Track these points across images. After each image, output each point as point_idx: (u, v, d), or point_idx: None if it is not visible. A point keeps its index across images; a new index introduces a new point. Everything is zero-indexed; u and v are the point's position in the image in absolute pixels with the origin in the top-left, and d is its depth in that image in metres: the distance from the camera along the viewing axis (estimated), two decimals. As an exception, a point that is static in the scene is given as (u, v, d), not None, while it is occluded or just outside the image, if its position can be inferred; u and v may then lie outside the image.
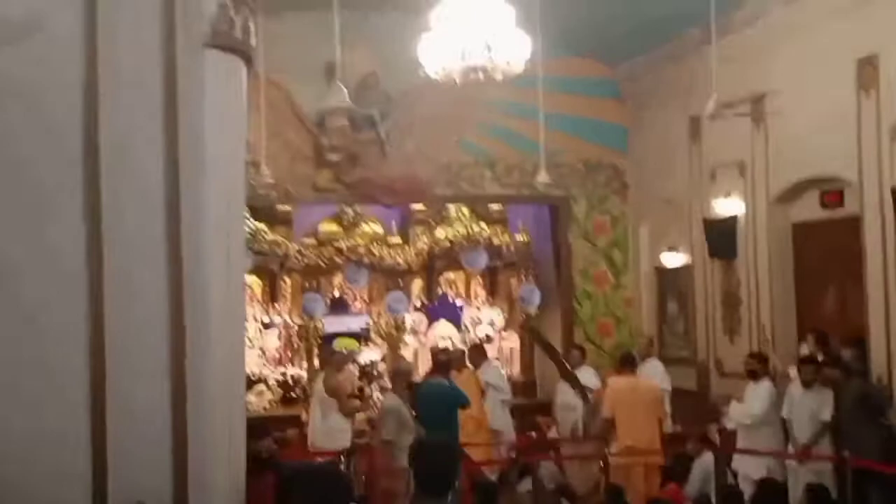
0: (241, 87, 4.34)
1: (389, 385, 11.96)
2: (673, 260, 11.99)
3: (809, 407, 8.35)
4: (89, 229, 3.85)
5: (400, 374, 9.19)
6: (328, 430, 9.94)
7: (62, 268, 3.87)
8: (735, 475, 8.57)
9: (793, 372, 8.91)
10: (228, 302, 4.20)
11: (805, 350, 9.18)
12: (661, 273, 12.31)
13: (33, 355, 3.84)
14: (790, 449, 8.46)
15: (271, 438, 4.68)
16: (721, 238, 10.54)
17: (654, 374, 10.21)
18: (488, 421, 10.39)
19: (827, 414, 8.25)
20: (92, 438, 3.84)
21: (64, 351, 3.86)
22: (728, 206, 10.60)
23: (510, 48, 7.49)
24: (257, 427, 4.85)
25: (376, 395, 11.36)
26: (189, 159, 3.96)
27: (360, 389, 10.69)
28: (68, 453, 3.82)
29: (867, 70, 8.66)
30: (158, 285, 3.95)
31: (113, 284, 3.86)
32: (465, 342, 12.51)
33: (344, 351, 11.18)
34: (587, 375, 10.67)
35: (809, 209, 9.84)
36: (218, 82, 4.07)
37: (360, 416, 10.60)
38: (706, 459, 8.76)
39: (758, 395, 8.75)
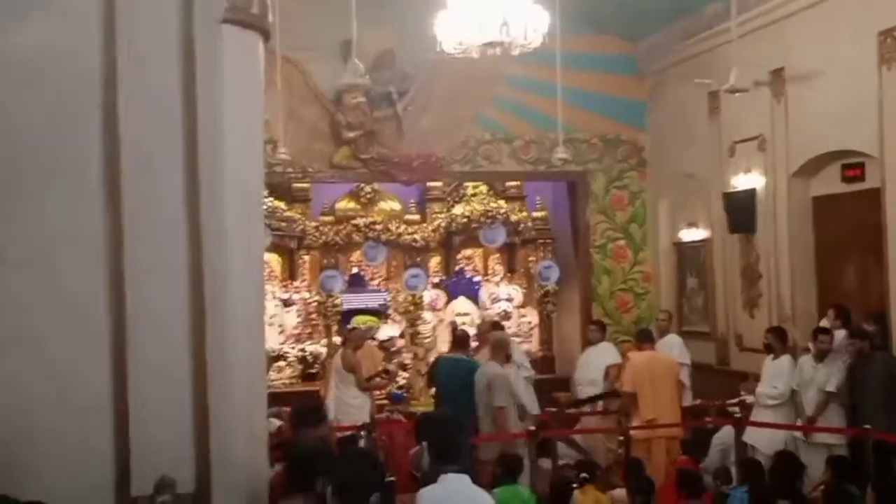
0: (259, 63, 4.35)
1: (410, 359, 12.09)
2: (692, 235, 11.96)
3: (819, 379, 8.35)
4: (109, 208, 3.89)
5: (502, 344, 9.09)
6: (346, 405, 10.02)
7: (83, 246, 3.90)
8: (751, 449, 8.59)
9: (812, 346, 8.89)
10: (249, 279, 4.23)
11: (825, 324, 9.15)
12: (680, 248, 12.28)
13: (57, 335, 3.88)
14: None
15: (327, 425, 4.64)
16: (741, 213, 10.49)
17: (672, 349, 10.20)
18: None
19: (833, 384, 8.25)
20: (115, 417, 3.89)
21: (87, 332, 3.90)
22: (747, 180, 10.54)
23: (527, 23, 7.46)
24: (312, 413, 4.84)
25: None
26: (208, 135, 3.98)
27: (386, 370, 10.73)
28: (92, 431, 3.88)
29: (888, 43, 8.56)
30: (179, 263, 3.98)
31: (134, 263, 3.89)
32: (482, 318, 12.54)
33: (362, 327, 11.23)
34: (607, 352, 10.67)
35: (830, 183, 9.77)
36: (235, 58, 4.09)
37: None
38: (725, 433, 8.77)
39: (777, 371, 8.74)
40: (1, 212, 3.86)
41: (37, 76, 3.90)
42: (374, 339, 12.15)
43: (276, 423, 6.57)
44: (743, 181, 10.61)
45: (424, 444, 3.84)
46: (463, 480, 3.78)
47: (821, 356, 8.42)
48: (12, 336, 3.85)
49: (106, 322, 3.89)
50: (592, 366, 10.61)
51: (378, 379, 10.48)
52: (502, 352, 8.93)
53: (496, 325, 11.28)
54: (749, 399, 9.29)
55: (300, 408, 6.35)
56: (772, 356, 9.00)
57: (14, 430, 3.77)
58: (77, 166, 3.92)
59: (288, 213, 12.17)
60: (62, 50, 3.92)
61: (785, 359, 8.85)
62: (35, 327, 3.86)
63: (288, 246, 12.37)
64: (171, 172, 3.96)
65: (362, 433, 8.49)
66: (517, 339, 12.75)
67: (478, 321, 12.53)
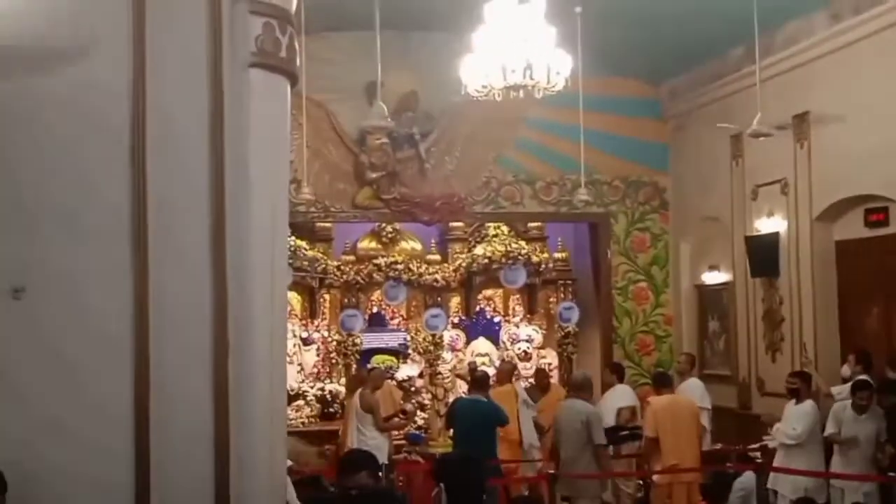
0: (286, 105, 4.39)
1: (428, 399, 12.04)
2: (714, 278, 11.93)
3: (867, 429, 8.22)
4: (135, 244, 3.91)
5: (586, 385, 9.05)
6: (364, 446, 9.97)
7: (107, 279, 3.92)
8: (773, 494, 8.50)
9: (835, 391, 8.82)
10: (272, 316, 4.24)
11: (846, 371, 9.07)
12: (702, 291, 12.25)
13: (79, 364, 3.90)
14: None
15: (366, 472, 4.56)
16: (763, 256, 10.46)
17: (694, 392, 10.13)
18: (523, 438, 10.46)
19: (883, 434, 8.16)
20: (136, 453, 3.88)
21: (108, 363, 3.91)
22: (770, 224, 10.53)
23: (551, 66, 7.52)
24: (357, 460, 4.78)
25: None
26: (234, 176, 4.01)
27: (403, 411, 10.72)
28: (113, 469, 3.87)
29: (912, 88, 8.59)
30: (203, 300, 3.99)
31: (158, 298, 3.91)
32: (502, 359, 12.52)
33: (381, 367, 11.23)
34: (623, 395, 10.61)
35: (853, 228, 9.74)
36: (263, 101, 4.13)
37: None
38: (747, 478, 8.68)
39: (801, 414, 8.67)
40: (27, 246, 3.90)
41: (68, 115, 3.95)
42: (393, 378, 12.15)
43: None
44: (766, 225, 10.60)
45: (442, 486, 3.81)
46: None
47: (861, 411, 8.30)
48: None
49: (128, 356, 3.90)
50: (605, 409, 10.56)
51: (396, 419, 10.46)
52: (589, 390, 8.93)
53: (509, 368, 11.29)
54: (771, 444, 9.20)
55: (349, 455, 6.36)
56: (794, 401, 8.92)
57: (31, 470, 3.77)
58: (105, 205, 3.96)
59: (310, 253, 12.23)
60: (93, 90, 3.97)
61: (808, 404, 8.76)
62: (55, 359, 3.88)
63: (309, 285, 12.41)
64: (196, 213, 3.98)
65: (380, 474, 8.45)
66: (531, 381, 12.75)
67: (497, 362, 12.51)
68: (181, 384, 3.95)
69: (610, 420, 10.34)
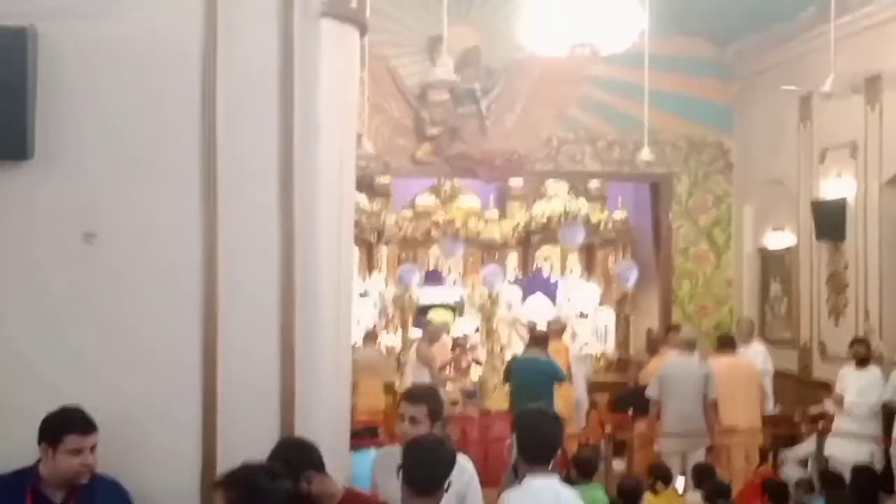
0: (356, 57, 4.38)
1: (484, 355, 12.07)
2: (778, 241, 11.74)
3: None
4: (205, 195, 3.94)
5: (693, 342, 9.28)
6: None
7: (177, 231, 3.96)
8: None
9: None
10: (338, 271, 4.26)
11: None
12: (765, 254, 12.07)
13: (147, 314, 3.95)
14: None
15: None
16: (829, 220, 10.26)
17: (756, 356, 10.03)
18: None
19: None
20: (203, 403, 3.93)
21: (177, 314, 3.95)
22: (838, 187, 10.31)
23: (620, 24, 7.38)
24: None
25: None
26: (303, 127, 4.01)
27: (456, 360, 10.78)
28: (182, 423, 3.92)
29: None
30: (271, 254, 4.00)
31: (226, 251, 3.94)
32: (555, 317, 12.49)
33: (437, 322, 11.28)
34: None
35: (924, 193, 9.52)
36: (333, 51, 4.11)
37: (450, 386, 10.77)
38: (808, 443, 8.62)
39: (871, 384, 8.55)
40: (97, 198, 3.94)
41: (136, 64, 3.97)
42: (449, 334, 12.19)
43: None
44: (833, 188, 10.39)
45: (514, 437, 3.78)
46: (550, 483, 3.71)
47: None
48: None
49: (198, 307, 3.94)
50: None
51: (445, 371, 10.54)
52: (692, 347, 9.15)
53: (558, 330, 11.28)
54: (831, 410, 9.10)
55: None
56: (854, 366, 8.80)
57: (108, 410, 3.83)
58: (175, 157, 3.98)
59: (369, 207, 12.27)
60: (162, 39, 3.98)
61: (874, 371, 8.65)
62: (127, 326, 3.94)
63: (367, 239, 12.47)
64: (266, 163, 3.99)
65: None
66: (594, 340, 12.73)
67: (550, 319, 12.48)
68: (249, 338, 3.98)
69: None
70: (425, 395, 4.26)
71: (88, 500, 3.67)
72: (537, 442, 3.74)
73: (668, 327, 11.56)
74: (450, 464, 3.55)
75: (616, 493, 6.69)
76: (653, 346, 11.17)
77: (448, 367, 11.01)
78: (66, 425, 3.59)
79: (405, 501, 3.47)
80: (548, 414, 3.90)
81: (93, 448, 3.63)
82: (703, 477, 7.16)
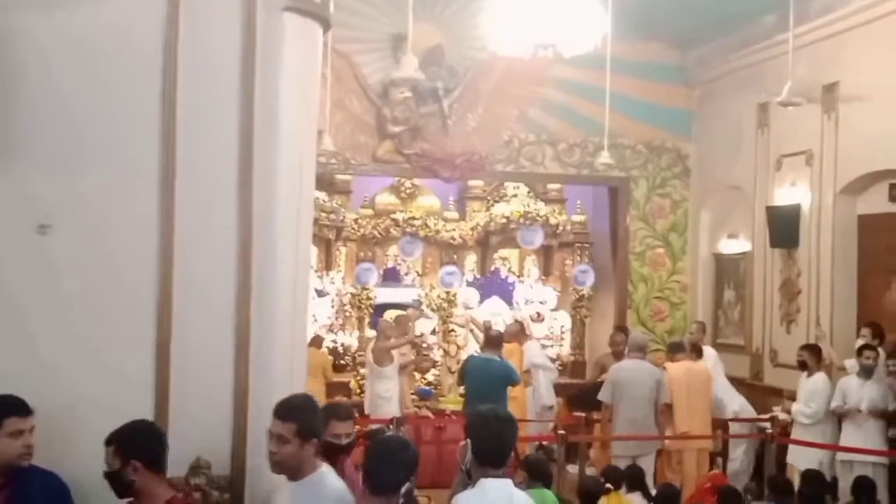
0: (318, 51, 4.36)
1: (440, 356, 12.06)
2: (732, 247, 11.87)
3: (869, 398, 8.23)
4: (163, 186, 3.90)
5: (646, 346, 9.25)
6: (377, 399, 10.06)
7: (133, 222, 3.92)
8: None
9: (848, 365, 8.81)
10: (295, 265, 4.24)
11: (860, 343, 9.04)
12: (720, 259, 12.19)
13: (105, 309, 3.91)
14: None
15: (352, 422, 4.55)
16: (784, 227, 10.39)
17: (707, 361, 10.11)
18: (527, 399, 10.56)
19: (892, 404, 8.15)
20: (156, 394, 3.90)
21: (133, 306, 3.92)
22: (793, 195, 10.44)
23: (581, 27, 7.40)
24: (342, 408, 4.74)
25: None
26: (264, 120, 3.99)
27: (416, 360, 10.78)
28: (133, 407, 3.87)
29: (944, 62, 8.45)
30: (228, 246, 3.99)
31: (183, 243, 3.91)
32: (515, 319, 12.51)
33: (390, 321, 11.24)
34: None
35: (877, 202, 9.65)
36: (296, 45, 4.09)
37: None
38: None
39: (814, 391, 8.67)
40: (53, 191, 3.88)
41: (96, 54, 3.92)
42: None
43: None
44: (788, 195, 10.51)
45: (468, 440, 3.74)
46: (504, 487, 3.70)
47: (867, 373, 8.30)
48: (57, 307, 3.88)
49: (153, 299, 3.91)
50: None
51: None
52: (647, 351, 9.20)
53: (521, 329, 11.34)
54: (782, 416, 9.21)
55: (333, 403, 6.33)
56: (806, 374, 8.93)
57: (57, 400, 3.79)
58: (133, 150, 3.94)
59: (328, 204, 12.21)
60: (122, 29, 3.94)
61: (820, 377, 8.77)
62: (83, 312, 3.89)
63: (326, 236, 12.41)
64: (225, 158, 3.97)
65: (390, 427, 8.51)
66: (548, 343, 12.76)
67: (508, 321, 12.50)
68: (203, 333, 3.96)
69: None
70: (296, 411, 3.75)
71: (24, 490, 3.68)
72: (491, 444, 3.72)
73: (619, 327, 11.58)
74: (412, 467, 3.55)
75: (577, 493, 6.73)
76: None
77: (409, 367, 11.00)
78: (5, 409, 3.65)
79: (363, 499, 3.46)
80: (501, 415, 3.87)
81: (31, 430, 3.68)
82: (635, 481, 7.23)
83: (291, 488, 3.79)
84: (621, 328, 11.40)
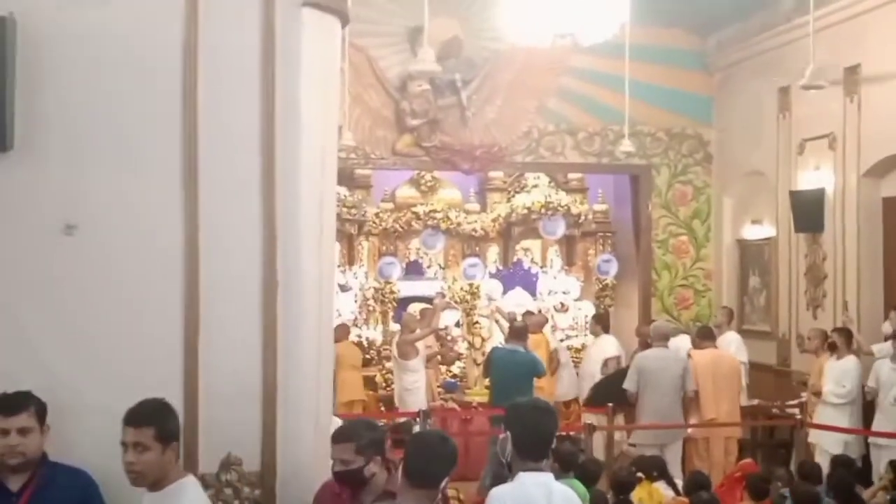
0: (337, 47, 4.35)
1: (465, 348, 12.07)
2: (756, 232, 11.80)
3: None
4: (186, 181, 3.91)
5: (670, 334, 9.28)
6: (403, 392, 10.10)
7: (158, 217, 3.93)
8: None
9: (876, 349, 8.75)
10: (320, 258, 4.23)
11: (888, 328, 8.99)
12: (744, 245, 12.12)
13: (129, 301, 3.92)
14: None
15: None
16: (808, 211, 10.32)
17: (730, 346, 10.07)
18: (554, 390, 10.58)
19: None
20: (185, 393, 3.91)
21: (159, 301, 3.93)
22: (816, 179, 10.37)
23: (599, 14, 7.38)
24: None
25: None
26: (285, 115, 3.99)
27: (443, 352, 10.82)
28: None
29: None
30: (253, 243, 3.99)
31: (208, 237, 3.92)
32: (539, 310, 12.49)
33: (414, 314, 11.25)
34: (607, 344, 11.03)
35: (901, 184, 9.58)
36: (315, 41, 4.09)
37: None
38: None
39: (846, 371, 8.62)
40: (78, 190, 3.90)
41: (116, 53, 3.93)
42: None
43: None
44: (811, 179, 10.44)
45: (508, 433, 3.69)
46: (543, 481, 3.65)
47: None
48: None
49: (179, 298, 3.92)
50: (591, 360, 10.91)
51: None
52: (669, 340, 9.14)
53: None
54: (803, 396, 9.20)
55: None
56: (835, 357, 8.88)
57: (87, 400, 3.81)
58: (156, 147, 3.95)
59: (349, 199, 12.23)
60: (143, 28, 3.94)
61: (851, 359, 8.73)
62: (105, 310, 3.90)
63: (348, 231, 12.44)
64: (247, 151, 3.97)
65: (417, 420, 8.52)
66: (573, 333, 12.74)
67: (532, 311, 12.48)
68: (231, 323, 3.96)
69: (594, 370, 10.47)
70: (151, 415, 3.51)
71: (47, 488, 3.66)
72: (531, 436, 3.68)
73: (596, 316, 11.74)
74: (450, 461, 3.52)
75: (609, 485, 6.72)
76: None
77: (435, 358, 11.06)
78: None
79: (402, 492, 3.46)
80: (540, 406, 3.84)
81: (21, 431, 3.63)
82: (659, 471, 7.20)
83: (147, 499, 3.54)
84: (599, 315, 11.54)
